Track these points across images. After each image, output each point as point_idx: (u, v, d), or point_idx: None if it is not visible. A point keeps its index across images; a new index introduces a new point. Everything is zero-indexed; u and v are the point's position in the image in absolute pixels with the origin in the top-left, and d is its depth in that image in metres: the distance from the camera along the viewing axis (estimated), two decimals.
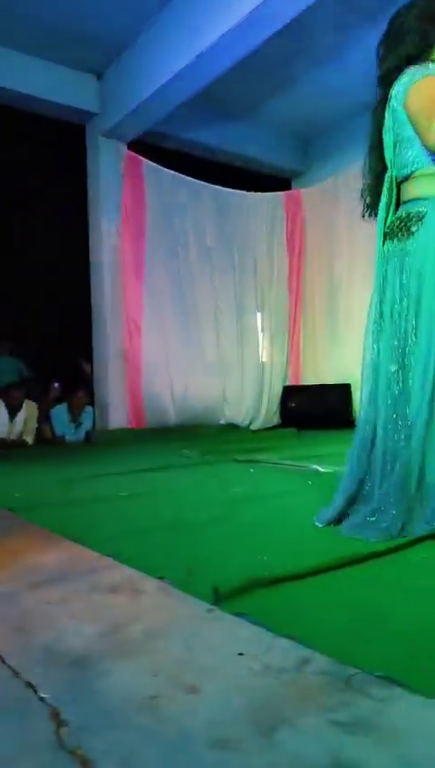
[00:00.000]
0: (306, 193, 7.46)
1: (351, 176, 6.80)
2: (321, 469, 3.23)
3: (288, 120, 7.15)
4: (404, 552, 1.57)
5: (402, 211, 1.87)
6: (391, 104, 1.83)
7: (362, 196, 2.06)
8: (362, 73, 6.01)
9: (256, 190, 7.25)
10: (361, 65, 5.88)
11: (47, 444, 5.71)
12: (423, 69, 1.80)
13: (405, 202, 1.88)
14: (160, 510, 2.35)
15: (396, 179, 1.89)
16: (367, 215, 2.05)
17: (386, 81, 1.90)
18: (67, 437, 5.89)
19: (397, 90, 1.82)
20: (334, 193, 6.93)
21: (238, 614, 1.19)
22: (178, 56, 5.06)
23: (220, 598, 1.27)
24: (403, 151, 1.83)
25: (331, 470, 3.14)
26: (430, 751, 0.76)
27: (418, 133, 1.77)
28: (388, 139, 1.87)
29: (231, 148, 7.09)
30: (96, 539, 1.83)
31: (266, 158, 7.49)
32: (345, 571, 1.44)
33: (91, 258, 6.39)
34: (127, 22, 5.39)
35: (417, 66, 1.81)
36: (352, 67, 5.77)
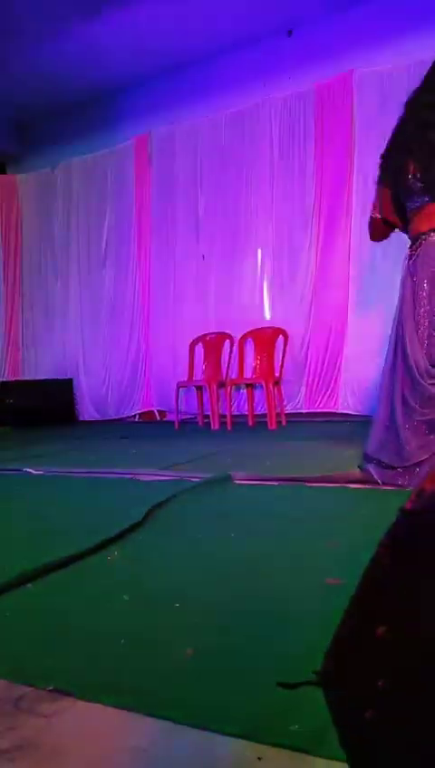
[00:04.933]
0: (22, 179, 7.12)
1: (72, 166, 6.70)
2: (33, 471, 3.13)
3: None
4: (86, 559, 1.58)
5: None
6: None
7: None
8: (81, 64, 5.98)
9: None
10: (80, 55, 5.82)
11: None
12: None
13: None
14: None
15: None
16: None
17: None
18: None
19: None
20: (52, 184, 6.77)
21: None
22: None
23: None
24: None
25: (41, 472, 3.08)
26: (89, 758, 0.78)
27: None
28: None
29: None
30: None
31: None
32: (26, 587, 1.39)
33: None
34: None
35: None
36: (70, 55, 5.68)
